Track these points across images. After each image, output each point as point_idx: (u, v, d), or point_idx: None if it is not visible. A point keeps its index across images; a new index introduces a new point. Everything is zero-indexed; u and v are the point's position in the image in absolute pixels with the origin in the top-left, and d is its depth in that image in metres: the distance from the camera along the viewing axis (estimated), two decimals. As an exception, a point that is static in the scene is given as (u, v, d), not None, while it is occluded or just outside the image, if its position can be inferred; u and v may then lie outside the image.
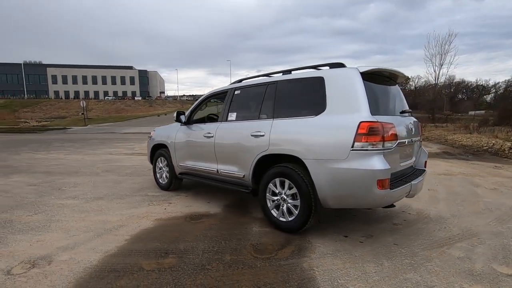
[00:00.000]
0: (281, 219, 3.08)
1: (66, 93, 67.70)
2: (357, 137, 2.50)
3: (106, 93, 69.30)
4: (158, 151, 5.00)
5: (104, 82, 71.00)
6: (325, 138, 2.72)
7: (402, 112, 3.17)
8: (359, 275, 2.25)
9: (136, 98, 64.09)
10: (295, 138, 2.93)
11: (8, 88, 62.70)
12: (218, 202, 4.21)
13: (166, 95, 79.55)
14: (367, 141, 2.48)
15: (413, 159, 3.26)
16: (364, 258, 2.53)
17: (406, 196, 2.88)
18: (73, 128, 23.78)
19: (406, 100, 3.43)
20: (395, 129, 2.68)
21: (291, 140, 2.95)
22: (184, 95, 73.79)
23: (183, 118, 4.49)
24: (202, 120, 4.57)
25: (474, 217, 3.58)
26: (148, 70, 76.38)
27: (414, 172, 3.25)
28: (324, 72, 2.97)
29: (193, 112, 4.53)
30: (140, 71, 74.00)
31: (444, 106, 52.66)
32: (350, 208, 2.85)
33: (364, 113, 2.57)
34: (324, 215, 3.62)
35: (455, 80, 62.76)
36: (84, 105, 28.67)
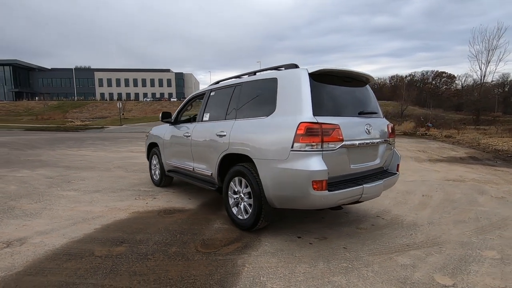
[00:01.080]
0: (239, 216, 3.17)
1: (110, 95, 73.13)
2: (296, 137, 2.52)
3: (145, 95, 73.66)
4: (153, 149, 5.33)
5: (143, 84, 75.56)
6: (271, 139, 2.76)
7: (361, 113, 3.08)
8: (285, 275, 2.27)
9: (172, 99, 67.21)
10: (248, 138, 3.01)
11: (61, 91, 69.51)
12: (197, 199, 4.40)
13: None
14: (305, 142, 2.49)
15: (377, 161, 3.15)
16: (302, 259, 2.53)
17: (359, 200, 2.80)
18: (110, 128, 25.73)
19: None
20: (340, 130, 2.63)
21: (244, 140, 3.03)
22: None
23: (169, 118, 4.76)
24: (188, 120, 4.80)
25: (453, 226, 3.34)
26: (184, 72, 79.69)
27: (377, 175, 3.14)
28: (279, 73, 3.01)
29: (179, 112, 4.78)
30: (176, 73, 77.51)
31: (495, 107, 47.92)
32: (296, 209, 2.83)
33: (305, 114, 2.58)
34: (292, 215, 3.63)
35: (510, 79, 56.88)
36: (121, 106, 30.88)
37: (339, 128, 2.63)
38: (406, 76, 76.75)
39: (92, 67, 75.10)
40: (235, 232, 3.12)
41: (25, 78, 68.84)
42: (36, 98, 61.68)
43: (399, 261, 2.50)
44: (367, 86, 3.42)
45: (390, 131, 3.33)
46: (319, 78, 2.83)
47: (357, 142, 2.80)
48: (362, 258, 2.54)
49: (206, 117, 3.95)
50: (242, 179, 3.08)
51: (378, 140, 3.07)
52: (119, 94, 73.99)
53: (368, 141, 2.92)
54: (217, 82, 4.18)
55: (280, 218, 3.55)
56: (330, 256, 2.59)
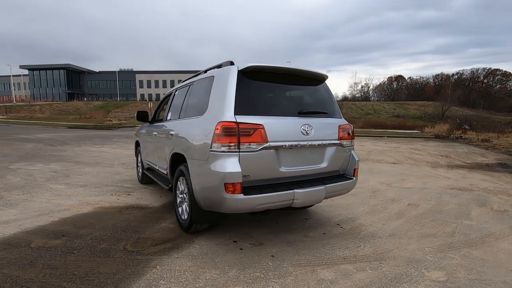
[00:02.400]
0: (182, 217, 3.13)
1: (150, 96, 77.43)
2: (214, 137, 2.42)
3: (181, 96, 76.73)
4: (138, 147, 5.51)
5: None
6: (198, 139, 2.69)
7: (301, 113, 2.85)
8: (187, 280, 2.19)
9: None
10: (184, 138, 2.96)
11: (106, 92, 75.23)
12: (167, 198, 4.45)
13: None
14: (221, 142, 2.38)
15: (323, 165, 2.91)
16: (218, 264, 2.43)
17: (292, 206, 2.60)
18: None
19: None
20: (263, 130, 2.47)
21: (182, 140, 2.99)
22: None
23: (146, 117, 4.88)
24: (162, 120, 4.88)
25: (416, 240, 2.98)
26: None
27: (323, 180, 2.90)
28: (215, 71, 2.92)
29: (156, 111, 4.88)
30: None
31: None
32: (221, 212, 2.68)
33: (226, 113, 2.46)
34: (245, 218, 3.51)
35: None
36: (151, 106, 32.64)
37: (262, 128, 2.47)
38: (452, 75, 70.71)
39: (134, 70, 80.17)
40: (175, 232, 3.09)
41: (76, 80, 75.63)
42: (85, 98, 67.48)
43: (321, 275, 2.28)
44: (323, 84, 3.18)
45: (345, 133, 3.06)
46: (253, 76, 2.69)
47: (287, 144, 2.61)
48: (282, 269, 2.36)
49: (169, 116, 3.98)
50: (184, 179, 3.04)
51: (320, 142, 2.83)
52: (157, 95, 78.07)
53: (304, 143, 2.71)
54: (184, 81, 4.19)
55: (230, 220, 3.44)
56: (250, 263, 2.44)
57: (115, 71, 77.18)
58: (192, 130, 2.85)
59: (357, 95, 71.76)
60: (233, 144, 2.37)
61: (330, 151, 2.95)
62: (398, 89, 73.58)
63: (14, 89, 66.94)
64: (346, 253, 2.67)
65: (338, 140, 2.99)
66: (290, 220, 3.52)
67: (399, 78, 74.28)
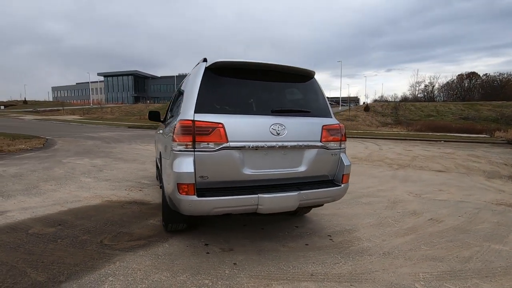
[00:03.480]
0: (164, 216, 3.15)
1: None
2: (173, 136, 2.35)
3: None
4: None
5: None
6: (168, 138, 2.66)
7: (275, 111, 2.61)
8: (134, 279, 2.17)
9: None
10: (163, 137, 2.97)
11: (165, 95, 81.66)
12: (171, 195, 4.55)
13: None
14: (179, 141, 2.30)
15: (301, 168, 2.63)
16: (175, 267, 2.36)
17: (258, 212, 2.40)
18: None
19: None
20: (223, 129, 2.32)
21: (161, 140, 3.01)
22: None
23: (158, 117, 5.06)
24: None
25: (414, 262, 2.52)
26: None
27: (301, 185, 2.62)
28: (193, 69, 2.86)
29: (167, 111, 5.04)
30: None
31: None
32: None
33: (188, 111, 2.38)
34: (232, 221, 3.38)
35: None
36: None
37: (222, 127, 2.33)
38: (543, 70, 59.50)
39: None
40: (156, 230, 3.12)
41: (142, 85, 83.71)
42: (148, 101, 74.30)
43: (274, 291, 2.05)
44: (311, 81, 2.91)
45: (330, 134, 2.73)
46: (223, 73, 2.57)
47: (251, 144, 2.41)
48: (235, 279, 2.19)
49: (168, 115, 4.07)
50: None
51: (294, 144, 2.56)
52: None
53: (273, 144, 2.47)
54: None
55: (214, 223, 3.35)
56: (207, 269, 2.32)
57: (174, 76, 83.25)
58: (167, 130, 2.85)
59: (419, 95, 65.41)
60: (189, 143, 2.28)
61: (310, 154, 2.66)
62: (470, 88, 64.77)
63: (92, 94, 76.64)
64: (318, 269, 2.36)
65: (320, 141, 2.68)
66: (278, 226, 3.29)
67: (472, 75, 65.22)
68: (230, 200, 2.29)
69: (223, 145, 2.32)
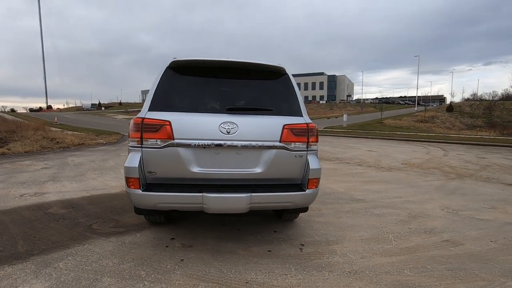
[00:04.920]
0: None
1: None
2: (129, 133, 2.50)
3: (298, 98, 78.73)
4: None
5: (298, 88, 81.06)
6: None
7: (229, 109, 2.50)
8: (87, 261, 2.38)
9: (320, 102, 68.46)
10: None
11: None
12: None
13: (351, 98, 79.11)
14: (131, 137, 2.43)
15: (257, 169, 2.48)
16: (127, 255, 2.51)
17: (204, 211, 2.37)
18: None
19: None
20: (169, 127, 2.35)
21: None
22: (368, 99, 70.19)
23: None
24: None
25: (375, 287, 2.13)
26: (336, 75, 79.00)
27: (257, 187, 2.48)
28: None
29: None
30: (329, 76, 78.03)
31: None
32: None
33: (144, 109, 2.49)
34: (214, 219, 3.41)
35: None
36: None
37: (169, 124, 2.36)
38: None
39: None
40: (142, 220, 3.33)
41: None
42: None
43: (196, 292, 2.00)
44: (282, 78, 2.73)
45: (293, 134, 2.51)
46: (184, 71, 2.62)
47: (197, 142, 2.37)
48: (169, 274, 2.21)
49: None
50: None
51: (247, 143, 2.42)
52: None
53: (221, 143, 2.39)
54: None
55: (195, 220, 3.42)
56: (151, 262, 2.40)
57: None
58: None
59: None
60: (135, 139, 2.40)
61: (268, 155, 2.48)
62: None
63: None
64: (258, 278, 2.20)
65: (279, 142, 2.48)
66: (256, 229, 3.17)
67: None
68: (173, 197, 2.33)
69: (169, 142, 2.37)
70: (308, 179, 2.53)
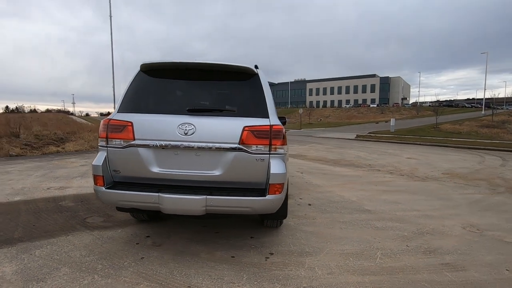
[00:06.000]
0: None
1: (317, 103, 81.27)
2: (99, 133, 2.64)
3: (347, 102, 75.54)
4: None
5: (347, 91, 77.78)
6: None
7: (190, 110, 2.46)
8: (60, 252, 2.58)
9: (371, 105, 64.64)
10: None
11: (281, 101, 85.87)
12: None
13: (406, 101, 73.12)
14: (100, 137, 2.56)
15: (215, 172, 2.41)
16: (97, 249, 2.65)
17: (162, 211, 2.38)
18: (288, 131, 29.33)
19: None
20: (131, 128, 2.42)
21: None
22: (426, 102, 64.02)
23: None
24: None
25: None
26: (390, 76, 73.94)
27: (214, 189, 2.41)
28: None
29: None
30: (381, 78, 73.44)
31: None
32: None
33: (115, 111, 2.62)
34: (200, 221, 3.42)
35: None
36: (301, 112, 34.74)
37: (130, 125, 2.44)
38: None
39: (306, 79, 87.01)
40: (131, 217, 3.50)
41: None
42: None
43: (135, 291, 2.02)
44: (252, 79, 2.64)
45: (254, 136, 2.38)
46: (154, 74, 2.70)
47: (156, 143, 2.40)
48: (120, 271, 2.27)
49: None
50: None
51: (203, 144, 2.37)
52: (324, 102, 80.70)
53: (177, 143, 2.38)
54: None
55: (178, 219, 3.47)
56: (114, 257, 2.49)
57: (288, 82, 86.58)
58: None
59: None
60: (105, 139, 2.52)
61: (227, 157, 2.40)
62: None
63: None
64: (203, 283, 2.13)
65: (239, 144, 2.38)
66: (234, 233, 3.09)
67: None
68: (132, 195, 2.39)
69: (130, 143, 2.44)
70: (269, 184, 2.38)
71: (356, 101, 74.88)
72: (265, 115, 2.52)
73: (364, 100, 74.18)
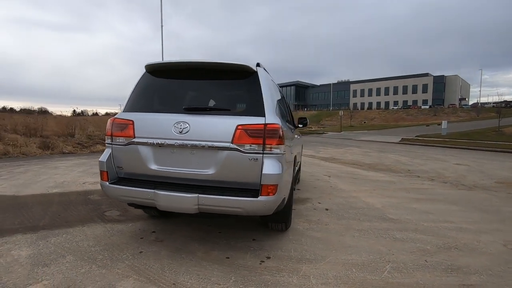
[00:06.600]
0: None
1: (362, 104, 77.55)
2: (106, 131, 2.79)
3: (395, 103, 70.86)
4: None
5: (395, 92, 72.96)
6: None
7: (186, 109, 2.47)
8: (73, 240, 2.78)
9: (423, 106, 59.75)
10: None
11: (323, 103, 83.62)
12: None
13: (465, 102, 66.11)
14: (106, 135, 2.71)
15: (208, 171, 2.39)
16: (103, 240, 2.80)
17: (157, 208, 2.44)
18: (327, 134, 28.38)
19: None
20: (132, 126, 2.51)
21: None
22: (489, 102, 57.15)
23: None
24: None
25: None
26: (445, 75, 67.64)
27: (208, 188, 2.39)
28: None
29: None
30: (435, 77, 67.51)
31: None
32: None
33: (122, 111, 2.75)
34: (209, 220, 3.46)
35: None
36: (342, 114, 33.37)
37: (132, 124, 2.54)
38: None
39: (350, 80, 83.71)
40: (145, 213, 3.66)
41: (302, 94, 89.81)
42: (305, 109, 78.82)
43: (121, 282, 2.08)
44: (251, 77, 2.58)
45: (248, 135, 2.31)
46: (157, 74, 2.78)
47: (153, 141, 2.45)
48: (116, 263, 2.36)
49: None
50: None
51: (196, 143, 2.36)
52: (370, 104, 76.71)
53: (172, 142, 2.40)
54: None
55: (188, 217, 3.52)
56: (116, 250, 2.61)
57: (330, 84, 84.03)
58: None
59: None
60: (108, 137, 2.66)
61: (220, 156, 2.36)
62: None
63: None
64: (189, 282, 2.11)
65: (231, 143, 2.33)
66: (236, 235, 3.04)
67: None
68: (130, 191, 2.48)
69: (131, 140, 2.55)
70: (261, 185, 2.29)
71: (405, 102, 69.84)
72: (261, 113, 2.43)
73: (415, 101, 68.82)
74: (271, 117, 2.45)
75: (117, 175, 2.69)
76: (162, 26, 25.34)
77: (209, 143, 2.38)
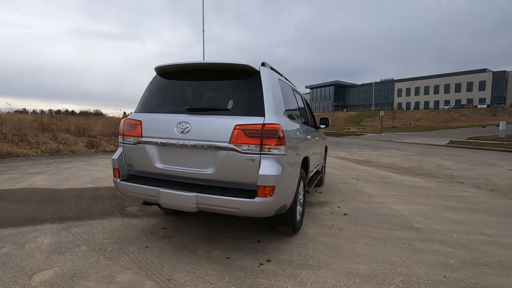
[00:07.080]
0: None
1: (408, 104, 72.59)
2: (119, 131, 2.95)
3: (446, 102, 65.18)
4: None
5: (446, 90, 67.07)
6: None
7: (188, 109, 2.51)
8: (91, 232, 2.99)
9: (479, 106, 54.08)
10: None
11: (364, 103, 79.86)
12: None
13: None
14: (119, 135, 2.87)
15: (208, 170, 2.41)
16: (117, 233, 2.97)
17: (161, 205, 2.55)
18: (366, 135, 26.94)
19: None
20: (140, 126, 2.63)
21: None
22: None
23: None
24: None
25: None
26: (507, 70, 60.42)
27: (207, 188, 2.41)
28: None
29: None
30: (494, 73, 60.66)
31: None
32: None
33: (134, 112, 2.90)
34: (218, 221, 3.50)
35: None
36: (382, 115, 31.55)
37: (140, 124, 2.66)
38: None
39: (394, 79, 78.92)
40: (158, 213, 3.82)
41: (342, 94, 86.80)
42: (345, 109, 76.06)
43: (119, 277, 2.19)
44: (253, 77, 2.56)
45: (245, 135, 2.28)
46: (166, 75, 2.89)
47: (158, 140, 2.55)
48: (122, 256, 2.48)
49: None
50: None
51: (196, 143, 2.39)
52: (416, 103, 71.55)
53: (174, 141, 2.47)
54: None
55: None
56: (125, 243, 2.75)
57: (372, 83, 79.96)
58: None
59: None
60: (122, 136, 2.82)
61: (219, 156, 2.37)
62: None
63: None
64: (183, 279, 2.15)
65: (229, 143, 2.31)
66: (242, 235, 3.03)
67: None
68: (137, 188, 2.61)
69: (139, 139, 2.67)
70: (258, 186, 2.24)
71: (458, 101, 63.80)
72: (261, 113, 2.39)
73: (470, 100, 62.54)
74: (272, 117, 2.39)
75: (128, 173, 2.84)
76: (203, 31, 26.36)
77: (208, 143, 2.40)
